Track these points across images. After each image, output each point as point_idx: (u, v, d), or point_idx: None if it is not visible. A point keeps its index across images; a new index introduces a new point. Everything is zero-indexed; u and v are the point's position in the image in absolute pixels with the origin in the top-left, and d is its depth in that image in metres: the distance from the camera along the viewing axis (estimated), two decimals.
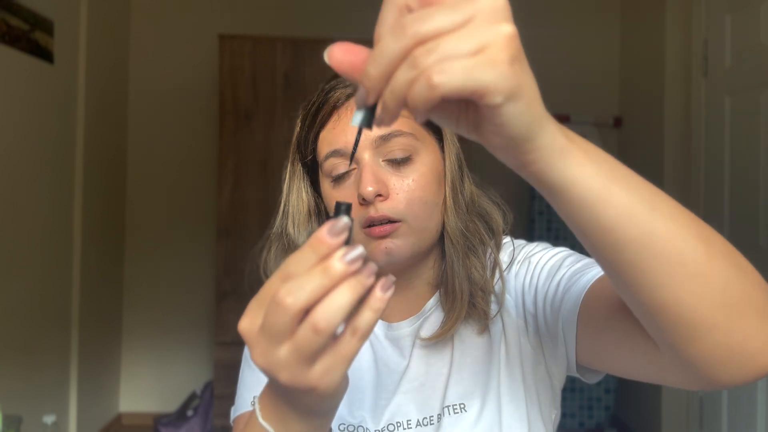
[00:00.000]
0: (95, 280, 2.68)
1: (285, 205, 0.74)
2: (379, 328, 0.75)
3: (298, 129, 0.73)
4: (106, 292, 2.85)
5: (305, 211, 0.73)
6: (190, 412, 2.76)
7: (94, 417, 2.72)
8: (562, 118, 3.03)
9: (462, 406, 0.70)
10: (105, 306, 2.84)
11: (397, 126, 0.66)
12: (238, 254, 2.66)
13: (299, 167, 0.74)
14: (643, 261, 0.41)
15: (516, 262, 0.72)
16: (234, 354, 2.77)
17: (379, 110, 0.35)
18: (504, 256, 0.73)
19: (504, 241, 0.74)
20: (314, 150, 0.70)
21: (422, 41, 0.33)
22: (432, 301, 0.74)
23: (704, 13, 2.40)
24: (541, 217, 2.92)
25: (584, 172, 0.40)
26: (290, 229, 0.73)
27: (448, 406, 0.70)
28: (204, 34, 2.99)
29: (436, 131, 0.71)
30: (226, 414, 3.05)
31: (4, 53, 2.02)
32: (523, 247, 0.74)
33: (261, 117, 2.66)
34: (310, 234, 0.72)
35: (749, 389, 2.04)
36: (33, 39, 2.18)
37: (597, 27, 3.11)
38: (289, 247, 0.73)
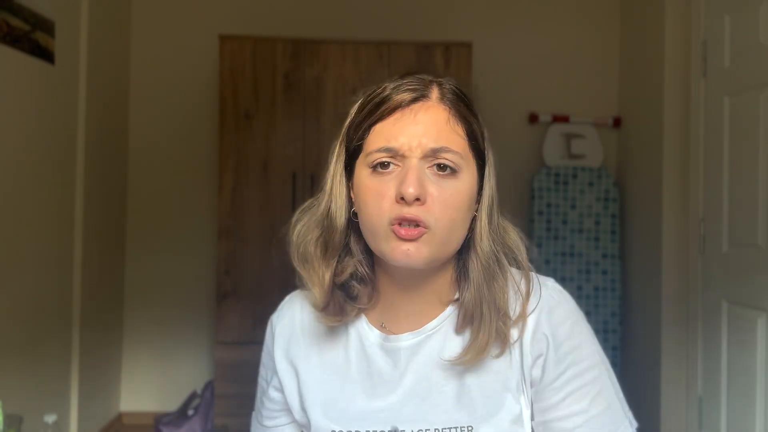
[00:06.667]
0: (96, 280, 2.69)
1: (331, 183, 0.75)
2: (376, 338, 0.76)
3: (353, 115, 0.74)
4: (107, 291, 2.85)
5: (345, 193, 0.74)
6: (190, 412, 2.76)
7: (95, 416, 2.73)
8: (562, 119, 3.04)
9: (470, 428, 0.70)
10: (106, 305, 2.84)
11: (448, 143, 0.68)
12: (238, 254, 2.66)
13: (344, 150, 0.75)
14: None
15: (541, 311, 0.72)
16: (235, 353, 2.79)
17: None
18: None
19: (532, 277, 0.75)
20: (363, 138, 0.71)
21: None
22: (437, 321, 0.74)
23: (703, 13, 2.40)
24: (541, 216, 2.92)
25: None
26: (333, 209, 0.73)
27: (456, 428, 0.70)
28: (204, 35, 2.99)
29: (480, 157, 0.72)
30: (227, 413, 3.03)
31: (4, 54, 2.03)
32: (557, 305, 0.73)
33: (261, 117, 2.67)
34: (348, 218, 0.73)
35: (748, 390, 2.04)
36: (34, 39, 2.19)
37: (596, 27, 3.12)
38: (330, 226, 0.73)
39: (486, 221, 0.71)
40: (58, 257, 2.42)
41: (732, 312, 2.18)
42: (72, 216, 2.52)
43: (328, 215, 0.74)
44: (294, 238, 0.76)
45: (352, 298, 0.75)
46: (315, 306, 0.76)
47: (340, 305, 0.75)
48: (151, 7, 3.07)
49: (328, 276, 0.73)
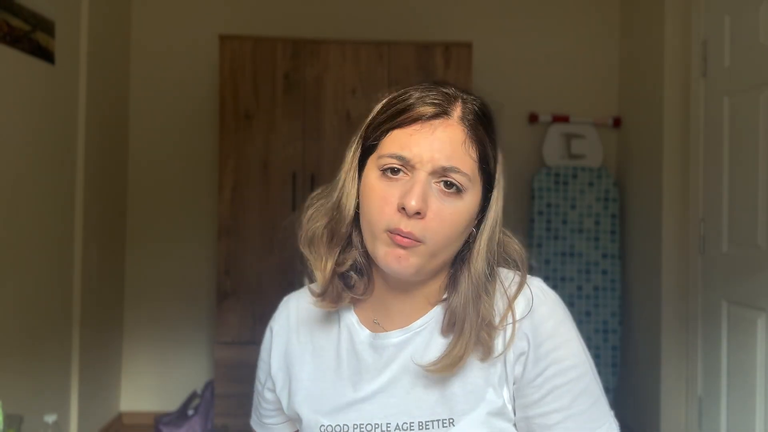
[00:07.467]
0: (96, 280, 2.69)
1: (345, 176, 0.76)
2: (366, 337, 0.78)
3: (374, 113, 0.75)
4: (107, 291, 2.86)
5: (357, 187, 0.76)
6: (190, 412, 2.76)
7: (95, 416, 2.73)
8: (562, 119, 3.04)
9: (451, 420, 0.72)
10: (106, 305, 2.84)
11: (459, 164, 0.69)
12: (238, 254, 2.66)
13: (360, 146, 0.76)
14: None
15: (529, 314, 0.73)
16: (234, 353, 2.79)
17: None
18: (521, 301, 0.74)
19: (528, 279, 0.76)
20: (379, 138, 0.72)
21: None
22: (424, 319, 0.76)
23: (703, 13, 2.41)
24: (541, 216, 2.92)
25: None
26: (344, 200, 0.75)
27: (437, 420, 0.72)
28: (204, 35, 2.99)
29: (488, 180, 0.73)
30: (227, 413, 3.03)
31: (5, 54, 2.03)
32: (545, 309, 0.74)
33: (261, 117, 2.67)
34: (356, 208, 0.75)
35: (748, 390, 2.04)
36: (34, 39, 2.19)
37: (596, 27, 3.12)
38: (338, 217, 0.75)
39: (485, 243, 0.73)
40: (58, 257, 2.43)
41: (732, 312, 2.18)
42: (72, 216, 2.52)
43: (338, 206, 0.76)
44: (304, 221, 0.78)
45: (350, 287, 0.78)
46: (312, 292, 0.79)
47: (337, 293, 0.78)
48: (151, 7, 3.07)
49: (330, 264, 0.76)
